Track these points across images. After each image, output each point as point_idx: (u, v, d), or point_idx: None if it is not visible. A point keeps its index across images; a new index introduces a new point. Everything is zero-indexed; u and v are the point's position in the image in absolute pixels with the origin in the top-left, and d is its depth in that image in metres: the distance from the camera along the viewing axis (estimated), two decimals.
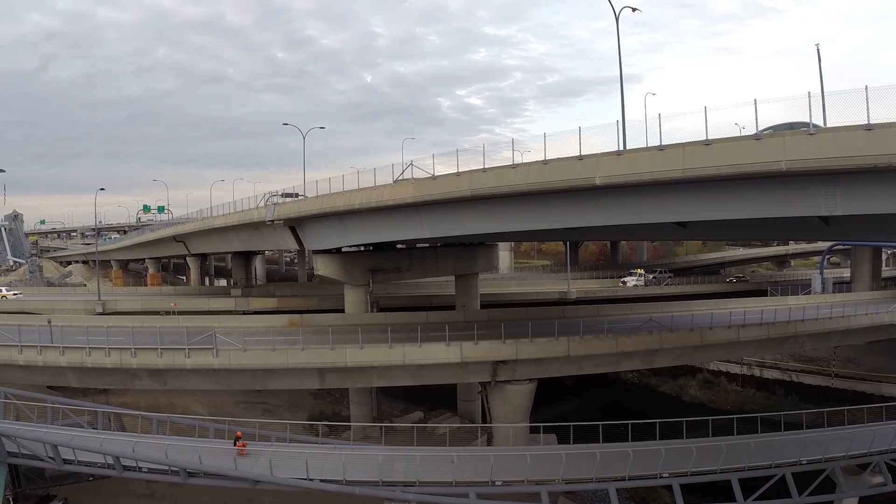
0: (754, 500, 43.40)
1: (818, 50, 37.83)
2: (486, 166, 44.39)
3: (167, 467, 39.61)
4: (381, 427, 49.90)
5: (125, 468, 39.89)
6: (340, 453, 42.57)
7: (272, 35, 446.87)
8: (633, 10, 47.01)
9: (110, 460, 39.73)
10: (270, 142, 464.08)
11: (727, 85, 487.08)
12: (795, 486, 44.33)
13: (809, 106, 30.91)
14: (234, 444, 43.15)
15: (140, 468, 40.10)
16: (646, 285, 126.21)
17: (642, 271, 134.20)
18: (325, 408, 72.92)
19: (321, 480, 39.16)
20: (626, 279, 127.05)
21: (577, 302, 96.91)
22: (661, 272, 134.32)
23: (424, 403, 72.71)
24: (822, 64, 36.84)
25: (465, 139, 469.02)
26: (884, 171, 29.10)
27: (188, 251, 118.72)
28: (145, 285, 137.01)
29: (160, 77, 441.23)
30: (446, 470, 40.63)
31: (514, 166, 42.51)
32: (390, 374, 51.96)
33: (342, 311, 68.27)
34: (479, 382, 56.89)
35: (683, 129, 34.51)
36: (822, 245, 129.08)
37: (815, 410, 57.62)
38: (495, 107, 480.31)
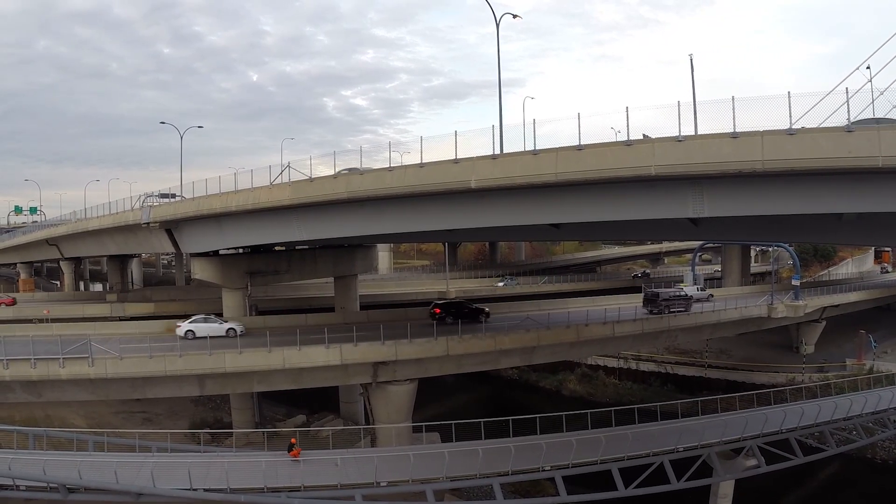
0: (635, 487, 44.87)
1: (691, 60, 39.16)
2: (366, 168, 44.44)
3: (46, 484, 38.29)
4: (263, 432, 49.43)
5: (1, 487, 38.51)
6: (224, 461, 41.90)
7: (160, 30, 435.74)
8: (514, 16, 47.86)
9: None
10: (151, 140, 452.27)
11: (608, 91, 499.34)
12: (674, 472, 46.19)
13: (679, 114, 31.96)
14: (289, 453, 43.79)
15: (17, 486, 38.67)
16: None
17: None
18: (206, 414, 71.74)
19: (205, 490, 38.54)
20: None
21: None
22: (510, 276, 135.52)
23: (307, 406, 72.15)
24: (695, 74, 38.06)
25: (348, 140, 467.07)
26: (748, 176, 30.65)
27: (62, 255, 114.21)
28: (17, 291, 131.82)
29: (41, 70, 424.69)
30: (331, 473, 40.60)
31: (390, 169, 42.70)
32: (271, 379, 51.51)
33: (221, 315, 67.24)
34: (361, 384, 56.83)
35: (563, 132, 35.15)
36: (694, 243, 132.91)
37: (689, 400, 59.81)
38: (380, 108, 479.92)
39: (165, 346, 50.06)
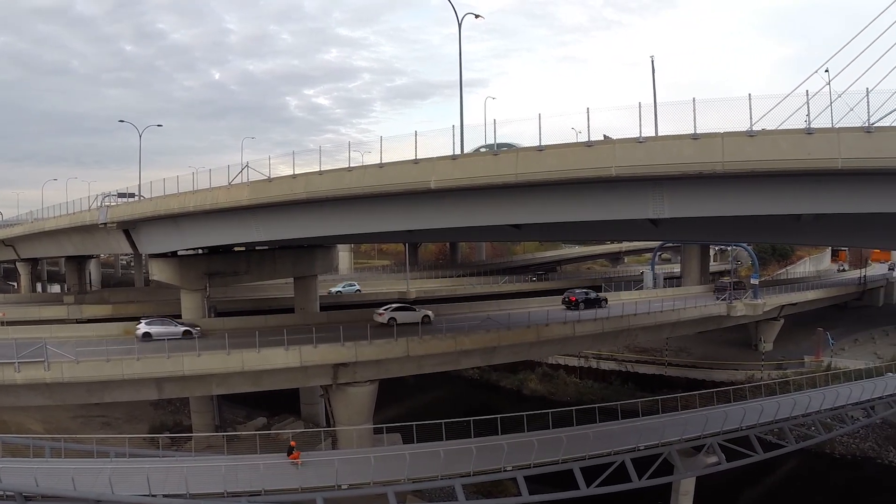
0: (597, 486, 45.01)
1: (652, 62, 39.26)
2: (327, 168, 44.03)
3: (1, 492, 37.42)
4: (223, 436, 48.98)
5: None
6: (183, 466, 41.14)
7: (123, 27, 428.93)
8: (477, 16, 47.99)
9: None
10: (113, 139, 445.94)
11: (571, 92, 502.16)
12: (635, 470, 46.43)
13: (640, 115, 32.12)
14: (288, 456, 43.36)
15: None
16: None
17: None
18: (165, 418, 70.98)
19: (164, 496, 37.87)
20: None
21: (417, 302, 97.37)
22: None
23: (268, 409, 71.67)
24: (656, 76, 38.11)
25: (311, 139, 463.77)
26: (708, 178, 30.91)
27: (18, 256, 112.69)
28: None
29: (1, 67, 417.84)
30: (292, 476, 40.32)
31: (350, 169, 42.29)
32: (230, 382, 50.94)
33: (179, 317, 66.52)
34: (321, 386, 56.54)
35: (526, 133, 35.15)
36: (654, 243, 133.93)
37: (650, 398, 60.28)
38: (343, 107, 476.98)
39: (123, 350, 49.16)
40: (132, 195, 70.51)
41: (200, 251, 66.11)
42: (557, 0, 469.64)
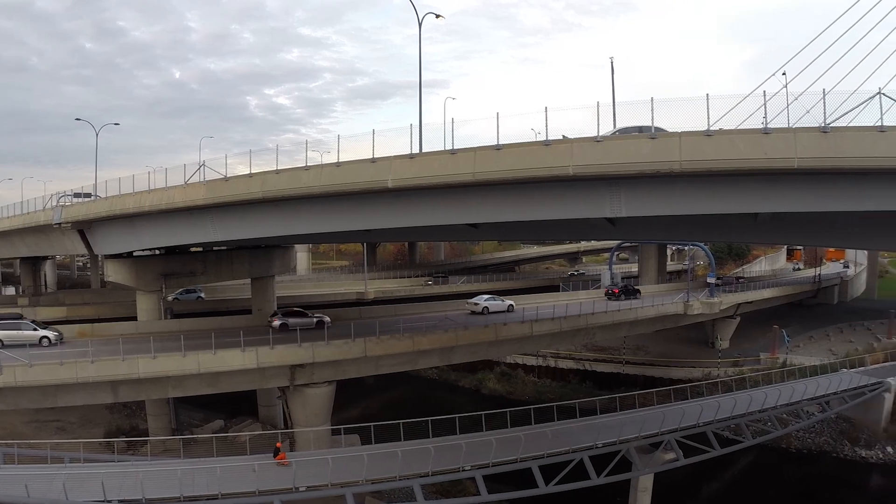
0: (556, 484, 45.15)
1: (612, 63, 39.82)
2: (284, 167, 43.63)
3: None
4: (180, 439, 48.45)
5: None
6: (139, 470, 40.45)
7: (83, 23, 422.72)
8: (437, 16, 48.10)
9: None
10: (72, 137, 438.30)
11: (532, 94, 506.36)
12: (594, 468, 46.75)
13: (598, 114, 32.35)
14: (275, 458, 43.23)
15: None
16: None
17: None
18: (121, 422, 69.87)
19: (119, 501, 37.29)
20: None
21: (375, 302, 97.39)
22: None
23: (225, 411, 70.99)
24: (616, 77, 38.56)
25: (270, 139, 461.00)
26: (666, 177, 31.09)
27: None
28: None
29: None
30: (249, 479, 39.70)
31: (307, 168, 41.99)
32: (186, 384, 50.24)
33: (136, 318, 65.77)
34: (279, 387, 56.04)
35: (485, 134, 35.12)
36: (612, 242, 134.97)
37: (608, 396, 60.49)
38: (303, 107, 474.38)
39: (78, 352, 48.40)
40: (88, 195, 69.48)
41: (157, 252, 65.40)
42: (519, 2, 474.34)
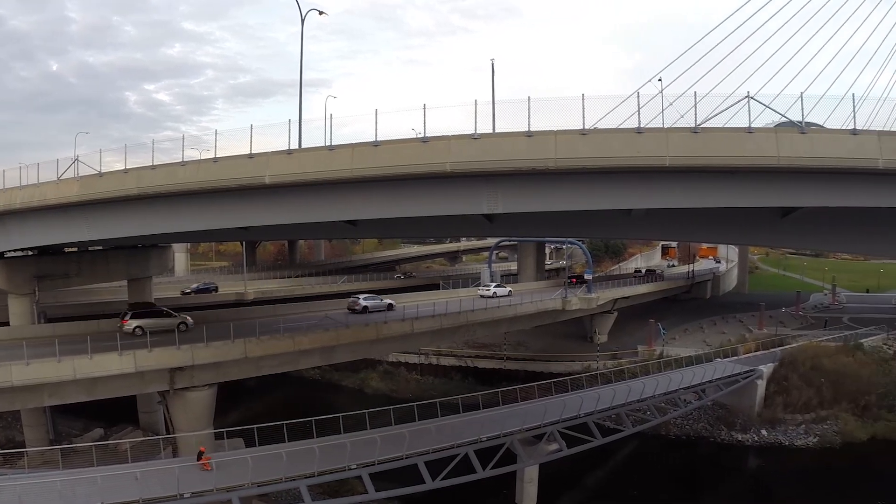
0: (442, 479, 45.69)
1: (492, 63, 40.48)
2: (161, 163, 42.77)
3: None
4: (59, 449, 47.08)
5: None
6: (16, 484, 38.98)
7: None
8: (321, 13, 48.10)
9: None
10: None
11: (417, 95, 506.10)
12: (479, 461, 47.54)
13: (475, 112, 32.90)
14: (198, 460, 42.31)
15: None
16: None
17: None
18: None
19: None
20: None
21: (256, 303, 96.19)
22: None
23: (105, 419, 69.03)
24: (498, 79, 39.24)
25: (149, 136, 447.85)
26: (542, 174, 32.04)
27: None
28: None
29: None
30: (131, 488, 38.76)
31: (183, 164, 41.21)
32: (63, 391, 48.56)
33: (7, 323, 63.45)
34: (159, 392, 55.06)
35: (368, 133, 35.11)
36: (491, 241, 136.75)
37: (490, 391, 61.46)
38: (183, 104, 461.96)
39: None
40: None
41: (29, 252, 63.02)
42: (406, 4, 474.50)
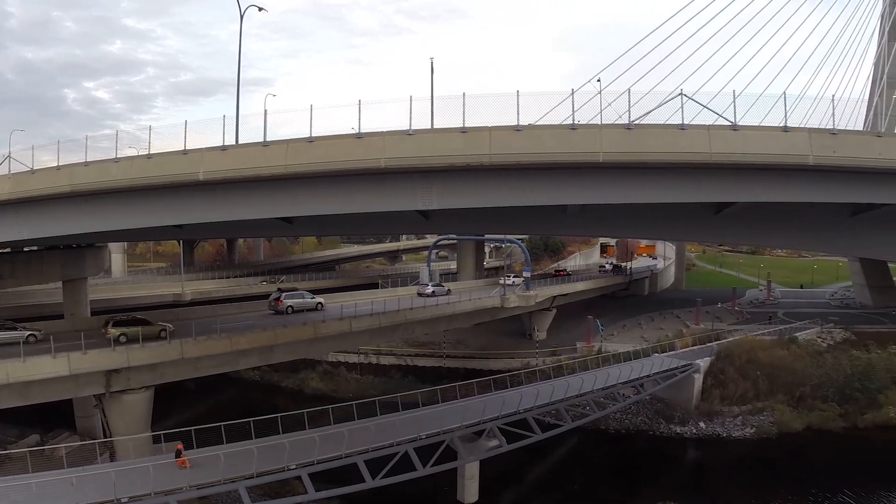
0: (382, 477, 45.89)
1: (432, 62, 41.08)
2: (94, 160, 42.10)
3: None
4: None
5: None
6: None
7: None
8: (260, 9, 47.90)
9: None
10: None
11: (358, 94, 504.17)
12: (420, 459, 47.80)
13: (410, 108, 33.13)
14: (176, 458, 42.20)
15: None
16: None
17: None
18: None
19: None
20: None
21: (194, 303, 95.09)
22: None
23: (42, 425, 67.83)
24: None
25: (88, 134, 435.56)
26: (477, 170, 32.36)
27: None
28: None
29: None
30: (67, 494, 38.24)
31: (116, 160, 40.41)
32: None
33: None
34: (95, 395, 54.20)
35: (306, 131, 35.06)
36: (430, 240, 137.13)
37: (429, 389, 62.23)
38: (123, 102, 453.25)
39: None
40: None
41: None
42: (350, 3, 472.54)
